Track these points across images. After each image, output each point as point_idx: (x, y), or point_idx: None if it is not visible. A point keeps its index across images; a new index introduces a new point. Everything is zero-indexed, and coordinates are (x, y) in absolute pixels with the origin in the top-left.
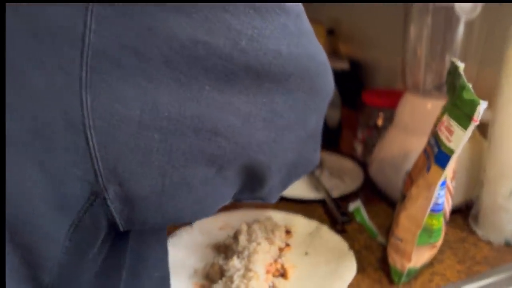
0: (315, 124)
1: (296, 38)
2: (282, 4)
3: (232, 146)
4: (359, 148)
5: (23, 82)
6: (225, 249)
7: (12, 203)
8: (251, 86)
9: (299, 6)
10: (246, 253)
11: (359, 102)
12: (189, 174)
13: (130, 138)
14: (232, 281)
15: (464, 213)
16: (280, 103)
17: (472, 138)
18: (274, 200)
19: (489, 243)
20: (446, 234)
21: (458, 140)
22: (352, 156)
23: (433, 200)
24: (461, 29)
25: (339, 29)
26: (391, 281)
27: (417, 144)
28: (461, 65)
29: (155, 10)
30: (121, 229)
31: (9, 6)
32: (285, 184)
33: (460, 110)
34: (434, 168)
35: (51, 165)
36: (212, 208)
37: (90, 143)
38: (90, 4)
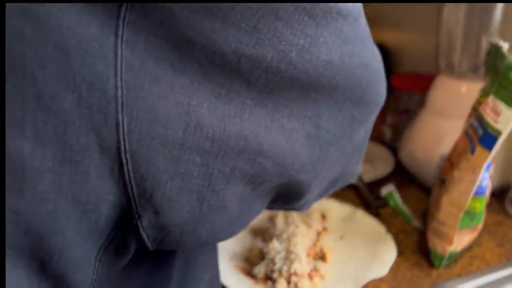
0: (363, 137)
1: (351, 45)
2: (341, 5)
3: (276, 167)
4: (388, 133)
5: (54, 107)
6: (262, 232)
7: (43, 238)
8: (296, 99)
9: (359, 6)
10: (285, 235)
11: (388, 86)
12: (227, 196)
13: (170, 163)
14: (274, 263)
15: (499, 197)
16: (325, 116)
17: None
18: (306, 209)
19: None
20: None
21: (507, 120)
22: (380, 140)
23: (477, 183)
24: (498, 9)
25: (366, 13)
26: (431, 264)
27: (451, 128)
28: (504, 45)
29: (197, 20)
30: (150, 249)
31: (32, 22)
32: (322, 195)
33: (507, 91)
34: (480, 150)
35: (84, 194)
36: (245, 224)
37: (125, 168)
38: (122, 10)
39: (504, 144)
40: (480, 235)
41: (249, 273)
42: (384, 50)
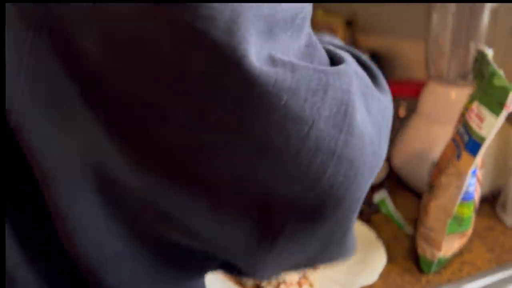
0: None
1: None
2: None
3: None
4: None
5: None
6: None
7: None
8: None
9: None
10: None
11: None
12: None
13: None
14: None
15: (491, 202)
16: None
17: None
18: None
19: None
20: (474, 223)
21: (490, 127)
22: None
23: (464, 189)
24: (486, 16)
25: (357, 20)
26: (421, 271)
27: (442, 133)
28: (489, 52)
29: None
30: None
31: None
32: (299, 267)
33: (491, 97)
34: (465, 156)
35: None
36: None
37: None
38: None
39: (494, 149)
40: (471, 241)
41: (238, 281)
42: (376, 57)
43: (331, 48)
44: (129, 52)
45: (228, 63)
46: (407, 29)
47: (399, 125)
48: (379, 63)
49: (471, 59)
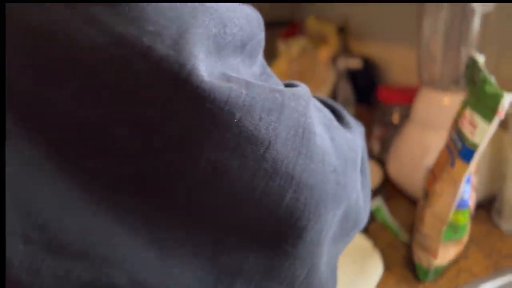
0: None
1: None
2: None
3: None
4: (375, 146)
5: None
6: None
7: None
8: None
9: None
10: None
11: (373, 99)
12: None
13: None
14: None
15: (487, 208)
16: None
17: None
18: None
19: None
20: (470, 229)
21: (483, 134)
22: (368, 153)
23: (458, 196)
24: (477, 22)
25: (350, 27)
26: (417, 279)
27: (435, 139)
28: (480, 59)
29: None
30: None
31: None
32: None
33: (483, 104)
34: (459, 163)
35: None
36: None
37: None
38: None
39: (488, 155)
40: (467, 247)
41: None
42: (370, 63)
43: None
44: (65, 70)
45: (176, 79)
46: (399, 35)
47: (393, 132)
48: (372, 70)
49: (463, 64)
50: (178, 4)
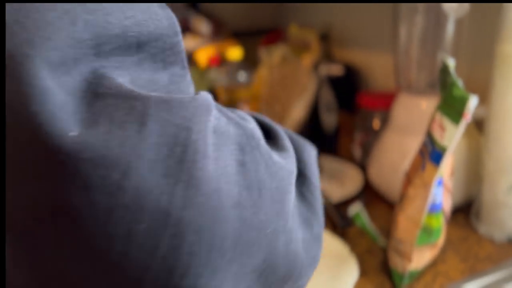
0: None
1: None
2: None
3: None
4: (357, 151)
5: None
6: None
7: None
8: None
9: None
10: None
11: (355, 105)
12: None
13: None
14: None
15: (465, 211)
16: None
17: (469, 134)
18: None
19: (491, 240)
20: (447, 233)
21: (451, 136)
22: (350, 159)
23: (430, 199)
24: (450, 27)
25: (332, 34)
26: (393, 285)
27: (413, 144)
28: (451, 63)
29: None
30: None
31: None
32: None
33: (451, 107)
34: (429, 166)
35: None
36: None
37: None
38: None
39: (465, 158)
40: (444, 251)
41: None
42: (351, 70)
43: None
44: None
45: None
46: (380, 42)
47: (374, 137)
48: (354, 76)
49: (438, 69)
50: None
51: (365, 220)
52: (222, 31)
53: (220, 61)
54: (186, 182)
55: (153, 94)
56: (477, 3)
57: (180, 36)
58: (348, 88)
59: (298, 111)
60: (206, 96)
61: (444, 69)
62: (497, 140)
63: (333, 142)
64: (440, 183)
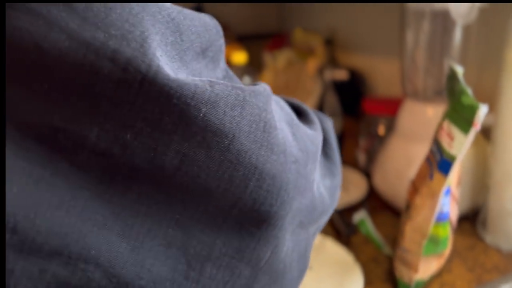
0: (268, 257)
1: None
2: None
3: (109, 279)
4: (361, 157)
5: None
6: None
7: None
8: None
9: None
10: None
11: (360, 111)
12: None
13: None
14: None
15: (472, 220)
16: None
17: (476, 142)
18: None
19: (498, 249)
20: (454, 242)
21: (460, 145)
22: (354, 165)
23: (437, 209)
24: (458, 33)
25: (337, 39)
26: None
27: (419, 151)
28: (459, 70)
29: None
30: None
31: None
32: None
33: (460, 115)
34: (437, 175)
35: None
36: None
37: None
38: None
39: (472, 167)
40: (451, 260)
41: None
42: (356, 75)
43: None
44: (35, 75)
45: (144, 78)
46: (385, 47)
47: (378, 143)
48: (358, 81)
49: (445, 76)
50: (139, 12)
51: (370, 227)
52: (226, 35)
53: None
54: (266, 146)
55: (246, 86)
56: (485, 9)
57: (223, 38)
58: (352, 93)
59: None
60: (268, 86)
61: (452, 76)
62: (504, 149)
63: (338, 147)
64: (448, 192)
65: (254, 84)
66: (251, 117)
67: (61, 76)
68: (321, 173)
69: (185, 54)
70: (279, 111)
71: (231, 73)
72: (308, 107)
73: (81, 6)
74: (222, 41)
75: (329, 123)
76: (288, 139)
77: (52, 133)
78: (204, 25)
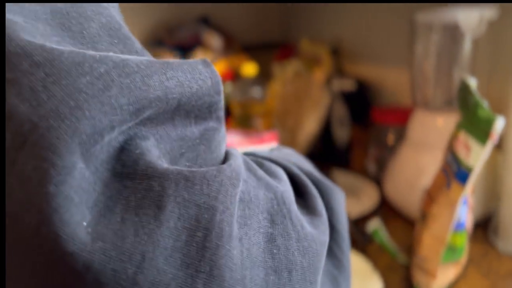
0: None
1: None
2: None
3: None
4: (371, 166)
5: None
6: None
7: None
8: None
9: None
10: None
11: (368, 120)
12: None
13: None
14: None
15: (484, 227)
16: None
17: None
18: None
19: (511, 256)
20: (468, 250)
21: (477, 157)
22: (364, 173)
23: (455, 218)
24: (467, 45)
25: (343, 49)
26: None
27: (430, 160)
28: (472, 82)
29: None
30: None
31: None
32: None
33: (476, 127)
34: (455, 185)
35: None
36: None
37: None
38: None
39: (484, 175)
40: (465, 267)
41: None
42: (363, 84)
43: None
44: None
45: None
46: (391, 57)
47: (388, 152)
48: (366, 91)
49: (455, 86)
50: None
51: (384, 236)
52: (232, 46)
53: (233, 75)
54: (207, 273)
55: (173, 169)
56: (494, 22)
57: (222, 94)
58: (359, 103)
59: (311, 125)
60: (237, 162)
61: (464, 88)
62: None
63: (346, 156)
64: (465, 201)
65: (227, 154)
66: (178, 223)
67: None
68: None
69: (147, 108)
70: (256, 193)
71: (214, 134)
72: (312, 171)
73: None
74: (218, 98)
75: (341, 200)
76: (253, 252)
77: None
78: (193, 72)
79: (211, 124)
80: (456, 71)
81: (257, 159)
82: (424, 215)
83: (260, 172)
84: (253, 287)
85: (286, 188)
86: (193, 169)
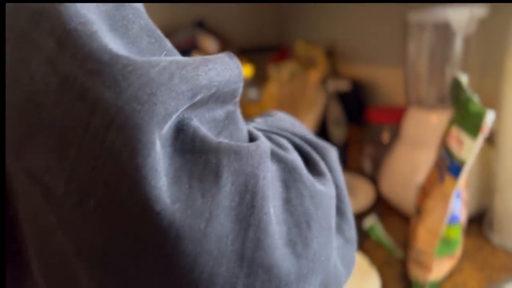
0: None
1: None
2: None
3: None
4: (367, 164)
5: None
6: None
7: None
8: None
9: None
10: None
11: (363, 119)
12: None
13: None
14: None
15: (478, 222)
16: None
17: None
18: None
19: (505, 250)
20: (463, 243)
21: (469, 150)
22: (360, 172)
23: (449, 210)
24: (459, 43)
25: (338, 50)
26: None
27: (425, 157)
28: (463, 79)
29: None
30: None
31: None
32: None
33: (468, 122)
34: (448, 179)
35: None
36: None
37: None
38: None
39: (478, 170)
40: (461, 261)
41: None
42: (358, 85)
43: (255, 131)
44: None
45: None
46: (385, 57)
47: (383, 151)
48: (360, 91)
49: (447, 84)
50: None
51: (381, 232)
52: (228, 49)
53: None
54: (256, 225)
55: (224, 144)
56: (484, 20)
57: (242, 81)
58: (354, 102)
59: (307, 125)
60: (266, 140)
61: (456, 85)
62: (508, 152)
63: (342, 155)
64: (458, 195)
65: (252, 136)
66: (232, 188)
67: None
68: (336, 237)
69: (199, 93)
70: (271, 167)
71: (237, 116)
72: (305, 134)
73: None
74: (241, 84)
75: (335, 157)
76: (276, 211)
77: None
78: (224, 63)
79: (230, 107)
80: (448, 69)
81: (267, 134)
82: (419, 210)
83: (272, 146)
84: (279, 239)
85: (294, 156)
86: (239, 143)
